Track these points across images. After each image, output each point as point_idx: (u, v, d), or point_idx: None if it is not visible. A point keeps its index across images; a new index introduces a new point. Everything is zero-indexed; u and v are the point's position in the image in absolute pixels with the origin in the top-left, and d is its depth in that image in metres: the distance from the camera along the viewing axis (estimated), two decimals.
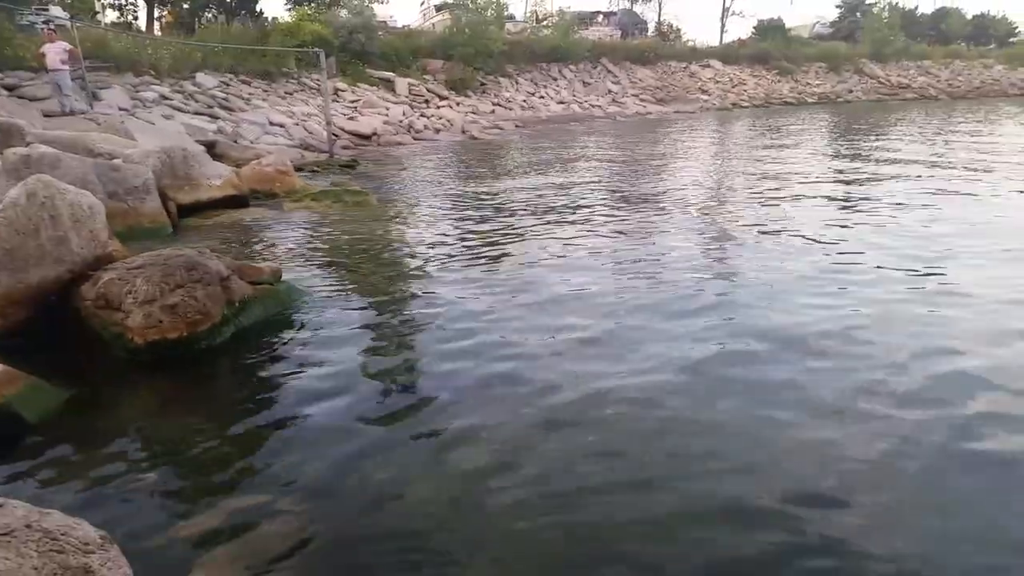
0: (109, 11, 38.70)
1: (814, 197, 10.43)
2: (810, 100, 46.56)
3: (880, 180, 11.96)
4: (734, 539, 2.81)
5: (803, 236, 7.79)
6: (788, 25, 57.30)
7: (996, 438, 3.47)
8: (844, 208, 9.51)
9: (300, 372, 4.44)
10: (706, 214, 9.49)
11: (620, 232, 8.37)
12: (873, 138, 20.49)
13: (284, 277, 5.95)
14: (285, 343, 4.96)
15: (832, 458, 3.33)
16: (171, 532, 2.86)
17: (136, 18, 39.57)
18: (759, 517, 2.93)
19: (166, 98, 20.29)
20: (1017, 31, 66.85)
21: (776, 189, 11.36)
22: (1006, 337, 4.77)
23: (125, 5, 39.21)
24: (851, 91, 49.45)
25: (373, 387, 4.24)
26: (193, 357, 4.67)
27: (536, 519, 2.96)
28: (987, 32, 65.81)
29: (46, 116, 14.38)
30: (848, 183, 11.85)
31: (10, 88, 16.60)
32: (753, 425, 3.64)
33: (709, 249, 7.61)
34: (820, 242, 7.53)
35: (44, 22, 19.65)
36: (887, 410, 3.76)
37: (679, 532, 2.86)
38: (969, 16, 66.47)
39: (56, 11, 24.34)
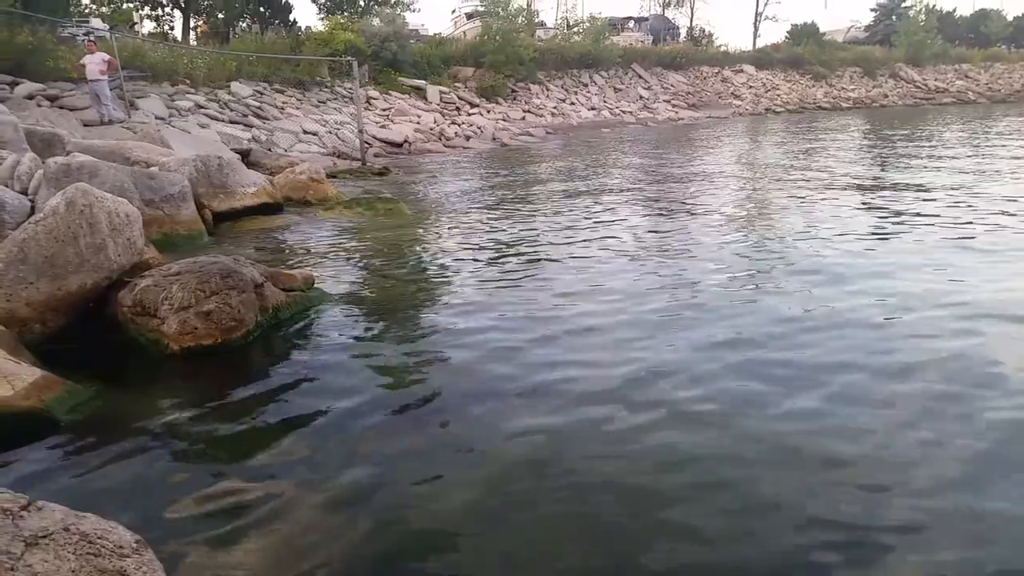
0: (146, 22, 39.51)
1: (852, 212, 10.23)
2: (845, 105, 46.03)
3: (915, 189, 11.75)
4: (764, 548, 2.76)
5: (843, 258, 7.65)
6: (822, 29, 56.71)
7: None
8: (884, 223, 9.31)
9: (331, 378, 4.45)
10: (741, 227, 9.35)
11: (653, 245, 8.27)
12: (911, 144, 20.16)
13: (316, 284, 5.98)
14: (317, 349, 4.97)
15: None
16: (204, 535, 2.87)
17: (172, 28, 40.38)
18: (790, 527, 2.88)
19: (201, 107, 20.61)
20: None
21: (812, 200, 11.19)
22: None
23: (161, 16, 40.00)
24: (886, 96, 48.85)
25: (402, 392, 4.24)
26: (227, 363, 4.70)
27: (560, 526, 2.94)
28: None
29: (85, 125, 14.66)
30: (883, 193, 11.63)
31: (52, 99, 16.96)
32: (776, 449, 3.55)
33: (745, 268, 7.48)
34: (858, 268, 7.40)
35: (85, 34, 20.08)
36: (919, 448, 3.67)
37: (705, 541, 2.82)
38: (1010, 18, 65.22)
39: (96, 23, 24.89)
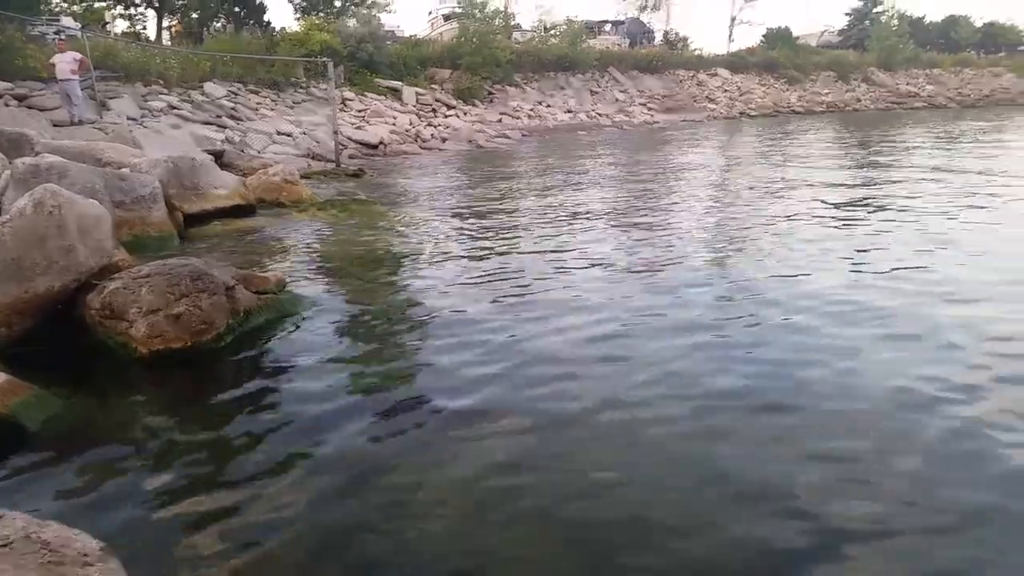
0: (119, 21, 39.04)
1: (823, 214, 10.37)
2: (818, 109, 46.53)
3: (881, 191, 11.92)
4: (752, 551, 2.79)
5: (814, 255, 7.76)
6: (796, 33, 57.29)
7: None
8: (853, 224, 9.45)
9: (304, 381, 4.44)
10: (716, 227, 9.47)
11: (625, 244, 8.36)
12: (883, 148, 20.43)
13: (289, 287, 5.96)
14: (289, 352, 4.95)
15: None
16: (172, 543, 2.86)
17: (145, 28, 39.92)
18: (777, 525, 2.91)
19: (174, 107, 20.42)
20: None
21: (783, 202, 11.33)
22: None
23: (134, 15, 39.54)
24: (859, 100, 49.45)
25: (377, 395, 4.24)
26: (198, 367, 4.68)
27: (538, 526, 2.96)
28: (996, 40, 65.67)
29: (55, 126, 14.48)
30: (855, 197, 11.79)
31: (20, 98, 16.73)
32: (759, 445, 3.60)
33: (717, 265, 7.55)
34: (831, 260, 7.50)
35: (55, 32, 19.85)
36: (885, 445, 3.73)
37: (692, 540, 2.85)
38: (978, 24, 66.35)
39: (67, 22, 24.60)
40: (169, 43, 34.90)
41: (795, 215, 9.79)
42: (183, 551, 2.81)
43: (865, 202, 10.67)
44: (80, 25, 24.36)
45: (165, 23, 38.87)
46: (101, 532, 2.38)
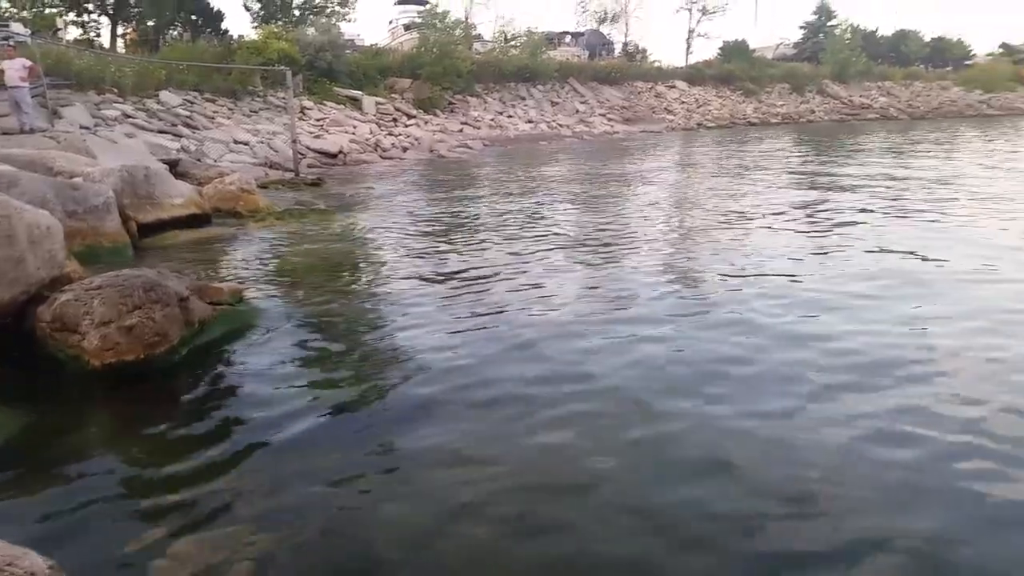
0: (71, 28, 38.30)
1: (776, 219, 10.58)
2: (774, 120, 47.43)
3: (833, 200, 12.20)
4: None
5: (766, 261, 7.91)
6: (752, 46, 58.35)
7: None
8: (806, 232, 9.65)
9: (261, 394, 4.39)
10: (672, 234, 9.61)
11: (584, 252, 8.43)
12: (835, 160, 20.87)
13: (246, 297, 5.91)
14: (246, 364, 4.90)
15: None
16: (123, 560, 2.81)
17: (99, 35, 39.20)
18: (750, 546, 2.94)
19: (129, 116, 20.11)
20: (972, 54, 68.86)
21: (738, 211, 11.52)
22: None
23: (88, 22, 38.83)
24: (814, 111, 50.52)
25: (335, 409, 4.20)
26: (151, 380, 4.61)
27: (500, 544, 2.95)
28: (944, 55, 67.64)
29: (4, 134, 14.12)
30: (808, 205, 12.04)
31: None
32: (720, 464, 3.64)
33: (673, 271, 7.66)
34: (782, 267, 7.65)
35: (3, 38, 19.37)
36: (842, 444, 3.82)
37: (654, 560, 2.87)
38: (927, 39, 68.27)
39: (16, 27, 23.98)
40: (124, 51, 34.35)
41: (751, 220, 9.96)
42: (135, 569, 2.77)
43: (815, 207, 10.90)
44: (30, 31, 23.82)
45: (120, 31, 38.28)
46: (50, 550, 2.34)
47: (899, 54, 64.75)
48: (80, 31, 38.85)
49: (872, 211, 10.70)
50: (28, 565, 2.13)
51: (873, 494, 3.22)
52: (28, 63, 15.04)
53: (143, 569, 2.77)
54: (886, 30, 68.35)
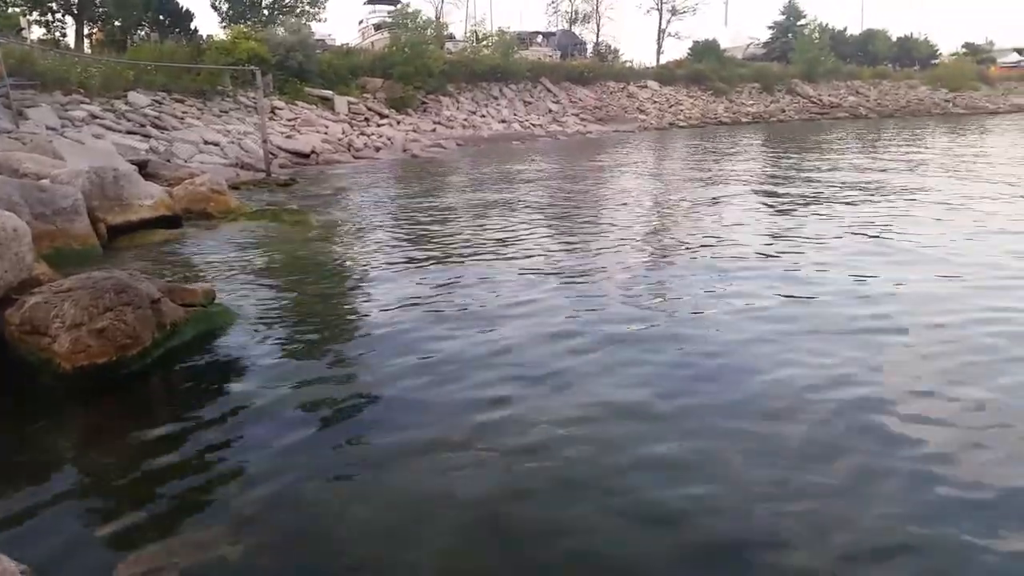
0: (35, 28, 37.67)
1: (750, 216, 10.70)
2: (744, 120, 47.83)
3: (811, 196, 12.36)
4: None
5: (741, 256, 8.00)
6: (722, 46, 58.81)
7: None
8: (780, 229, 9.77)
9: (233, 396, 4.37)
10: (647, 233, 9.68)
11: (563, 257, 8.45)
12: (802, 156, 21.13)
13: (218, 299, 5.87)
14: (218, 366, 4.88)
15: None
16: (96, 563, 2.79)
17: (64, 35, 38.57)
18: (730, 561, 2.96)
19: (96, 117, 19.84)
20: (938, 53, 70.02)
21: (711, 207, 11.63)
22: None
23: (52, 22, 38.18)
24: (784, 111, 51.03)
25: (308, 410, 4.19)
26: (123, 382, 4.57)
27: (472, 546, 2.96)
28: (911, 54, 68.68)
29: None
30: (783, 201, 12.18)
31: None
32: (699, 462, 3.68)
33: (649, 270, 7.73)
34: (757, 263, 7.74)
35: None
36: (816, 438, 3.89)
37: (626, 561, 2.89)
38: (894, 38, 69.27)
39: None
40: (90, 51, 33.85)
41: (729, 218, 10.07)
42: (106, 572, 2.74)
43: (787, 202, 11.05)
44: None
45: (86, 31, 37.70)
46: (22, 555, 2.32)
47: (867, 53, 65.62)
48: (44, 31, 38.26)
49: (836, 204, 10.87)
50: (1, 570, 2.11)
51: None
52: None
53: (114, 572, 2.75)
54: (854, 29, 69.28)
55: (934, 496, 3.18)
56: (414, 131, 31.13)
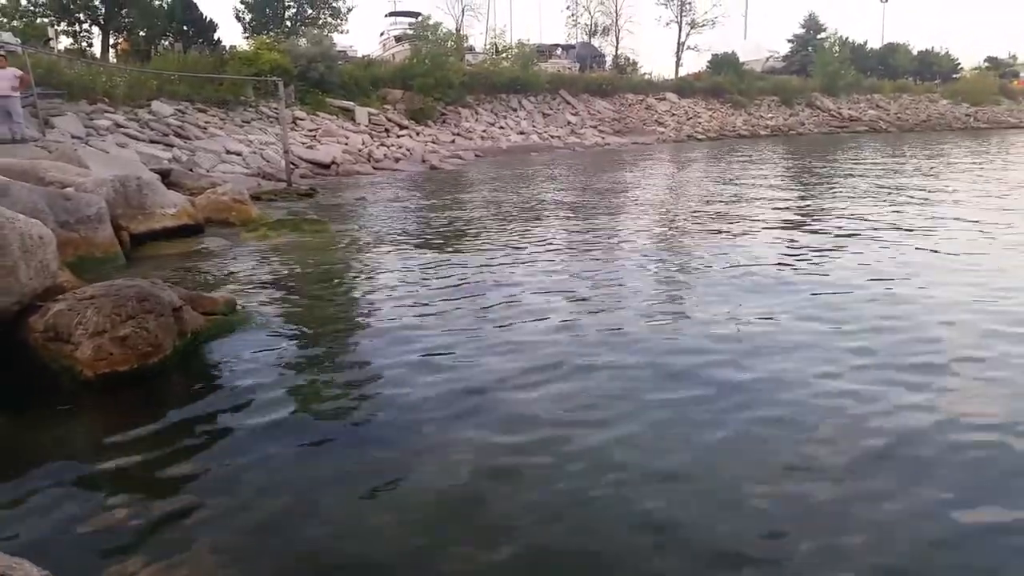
0: (62, 37, 38.23)
1: (769, 231, 10.65)
2: (763, 133, 47.63)
3: (830, 211, 12.28)
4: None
5: (759, 269, 7.96)
6: (741, 59, 58.62)
7: None
8: (800, 245, 9.71)
9: (253, 404, 4.39)
10: (667, 248, 9.66)
11: (580, 265, 8.44)
12: (826, 169, 21.02)
13: (239, 307, 5.90)
14: (238, 374, 4.90)
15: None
16: (118, 569, 2.81)
17: (90, 45, 39.14)
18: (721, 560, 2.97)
19: (121, 126, 20.08)
20: (959, 67, 69.46)
21: (731, 221, 11.58)
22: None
23: (79, 32, 38.78)
24: (803, 124, 50.77)
25: (326, 418, 4.22)
26: (144, 390, 4.60)
27: (489, 546, 2.96)
28: (932, 68, 68.15)
29: None
30: (803, 216, 12.11)
31: None
32: (709, 469, 3.66)
33: (669, 286, 7.69)
34: (773, 275, 7.70)
35: None
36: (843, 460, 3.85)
37: (642, 565, 2.88)
38: (915, 52, 68.82)
39: (7, 37, 24.04)
40: (115, 61, 34.30)
41: (751, 234, 10.01)
42: None
43: (809, 221, 10.99)
44: (20, 41, 23.81)
45: (111, 40, 38.22)
46: (46, 560, 2.34)
47: (887, 67, 65.19)
48: (71, 41, 38.83)
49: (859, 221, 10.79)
50: (23, 575, 2.12)
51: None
52: (19, 72, 15.04)
53: None
54: (875, 43, 68.87)
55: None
56: (433, 142, 31.26)
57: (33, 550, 2.51)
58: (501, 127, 37.83)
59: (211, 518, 3.17)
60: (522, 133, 37.73)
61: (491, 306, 6.57)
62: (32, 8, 36.53)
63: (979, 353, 5.08)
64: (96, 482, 3.51)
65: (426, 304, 6.68)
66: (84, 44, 38.96)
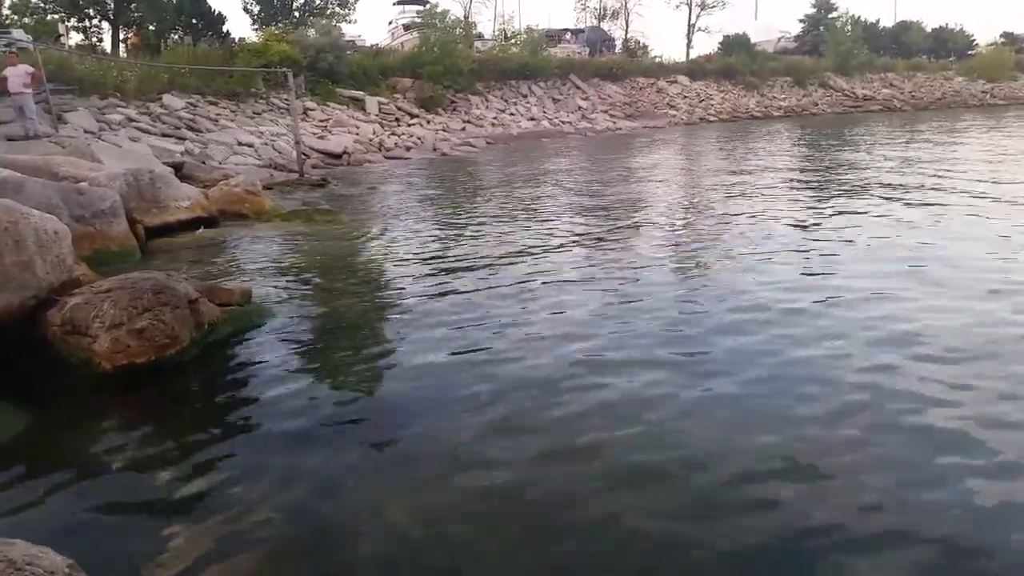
0: (73, 33, 38.40)
1: (781, 212, 10.57)
2: (776, 114, 47.23)
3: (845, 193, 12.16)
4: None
5: (773, 253, 7.90)
6: (753, 40, 58.09)
7: None
8: (812, 225, 9.62)
9: (270, 394, 4.40)
10: (680, 231, 9.60)
11: (592, 251, 8.41)
12: (841, 150, 20.82)
13: (254, 298, 5.91)
14: (254, 365, 4.91)
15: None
16: (139, 558, 2.82)
17: (101, 40, 39.28)
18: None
19: (132, 120, 20.13)
20: (975, 44, 68.47)
21: (743, 202, 11.49)
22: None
23: (89, 27, 38.91)
24: (816, 104, 50.27)
25: (344, 407, 4.22)
26: (162, 382, 4.62)
27: (508, 539, 2.96)
28: (946, 45, 67.25)
29: (9, 140, 14.18)
30: (818, 198, 12.01)
31: None
32: (721, 458, 3.63)
33: (684, 267, 7.65)
34: (788, 259, 7.64)
35: (5, 45, 19.43)
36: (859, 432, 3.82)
37: (664, 555, 2.86)
38: (929, 29, 67.93)
39: (18, 34, 24.10)
40: (125, 55, 34.39)
41: (768, 218, 9.94)
42: (151, 567, 2.77)
43: (824, 201, 10.89)
44: (32, 38, 23.89)
45: (121, 35, 38.34)
46: (68, 549, 2.35)
47: (901, 45, 64.36)
48: (82, 36, 38.99)
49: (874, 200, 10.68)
50: (48, 564, 2.13)
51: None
52: (31, 69, 15.10)
53: (155, 565, 2.79)
54: (887, 21, 67.98)
55: None
56: (444, 130, 31.19)
57: (56, 540, 2.51)
58: (511, 114, 37.67)
59: (231, 506, 3.18)
60: (533, 119, 37.56)
61: (508, 294, 6.54)
62: (43, 5, 36.65)
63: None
64: (117, 473, 3.53)
65: (442, 291, 6.67)
66: (95, 39, 39.13)
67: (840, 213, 9.97)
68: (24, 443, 3.79)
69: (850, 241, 8.13)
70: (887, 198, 11.04)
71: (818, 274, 6.77)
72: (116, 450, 3.77)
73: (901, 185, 12.34)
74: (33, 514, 3.15)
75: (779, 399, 4.10)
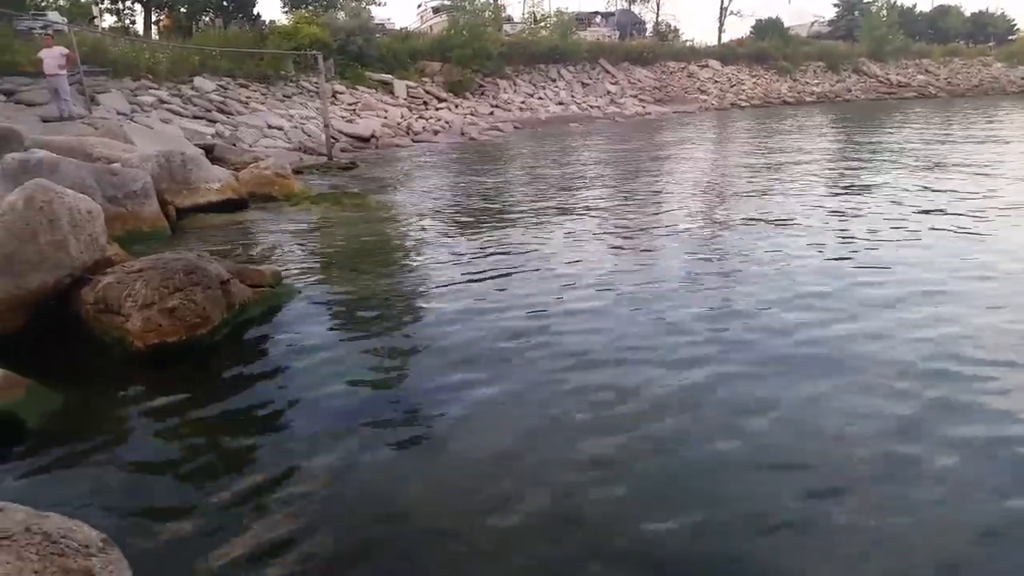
0: (107, 15, 38.75)
1: (817, 205, 10.42)
2: (809, 99, 46.51)
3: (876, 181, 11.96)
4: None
5: (804, 247, 7.79)
6: (786, 24, 57.18)
7: None
8: (847, 217, 9.47)
9: (299, 375, 4.43)
10: (710, 222, 9.50)
11: (622, 239, 8.33)
12: (875, 136, 20.48)
13: (284, 280, 5.94)
14: (285, 345, 4.94)
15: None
16: (171, 534, 2.86)
17: (133, 22, 39.63)
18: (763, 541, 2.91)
19: (164, 102, 20.30)
20: (1016, 28, 66.82)
21: (779, 195, 11.35)
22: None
23: (122, 10, 39.26)
24: (850, 90, 49.42)
25: (372, 390, 4.24)
26: (193, 360, 4.66)
27: (529, 526, 2.95)
28: (986, 29, 65.68)
29: (44, 121, 14.37)
30: (851, 189, 11.83)
31: (8, 93, 16.62)
32: (745, 447, 3.59)
33: (712, 258, 7.55)
34: (819, 252, 7.53)
35: (42, 27, 19.68)
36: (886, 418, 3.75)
37: (680, 542, 2.85)
38: (968, 14, 66.40)
39: (53, 16, 24.39)
40: (157, 38, 34.65)
41: (798, 213, 9.81)
42: (182, 543, 2.81)
43: (855, 191, 10.72)
44: (67, 20, 24.13)
45: (153, 18, 38.61)
46: (101, 524, 2.38)
47: (937, 30, 62.96)
48: (115, 18, 39.35)
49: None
50: (82, 538, 2.16)
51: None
52: (66, 51, 15.27)
53: (187, 541, 2.83)
54: (924, 6, 66.52)
55: None
56: (472, 114, 31.10)
57: (89, 514, 2.55)
58: (540, 98, 37.47)
59: (260, 485, 3.20)
60: (561, 104, 37.34)
61: (534, 278, 6.53)
62: None
63: None
64: (148, 449, 3.57)
65: (470, 274, 6.66)
66: (127, 22, 39.47)
67: (893, 203, 9.78)
68: (59, 420, 3.85)
69: (908, 238, 7.98)
70: (938, 190, 10.84)
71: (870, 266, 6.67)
72: (147, 427, 3.81)
73: (946, 176, 12.09)
74: (67, 489, 3.19)
75: (828, 407, 4.03)
